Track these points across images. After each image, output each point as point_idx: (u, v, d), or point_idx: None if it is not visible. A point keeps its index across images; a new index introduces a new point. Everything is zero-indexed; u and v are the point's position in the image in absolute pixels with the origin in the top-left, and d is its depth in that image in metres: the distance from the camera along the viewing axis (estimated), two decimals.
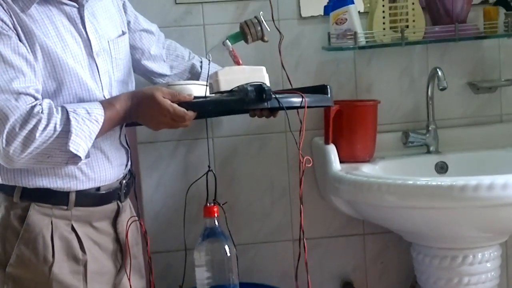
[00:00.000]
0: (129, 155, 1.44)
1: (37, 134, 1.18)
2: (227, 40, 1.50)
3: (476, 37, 1.74)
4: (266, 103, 1.29)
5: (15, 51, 1.20)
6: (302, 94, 1.34)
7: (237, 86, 1.33)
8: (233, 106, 1.35)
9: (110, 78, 1.36)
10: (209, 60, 1.50)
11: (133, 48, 1.50)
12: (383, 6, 1.70)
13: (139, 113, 1.31)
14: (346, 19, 1.67)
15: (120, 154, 1.39)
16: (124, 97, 1.31)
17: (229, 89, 1.36)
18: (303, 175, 1.34)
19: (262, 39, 1.49)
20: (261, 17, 1.47)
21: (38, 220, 1.28)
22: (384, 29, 1.71)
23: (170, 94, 1.30)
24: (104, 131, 1.28)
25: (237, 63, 1.48)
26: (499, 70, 1.81)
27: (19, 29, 1.22)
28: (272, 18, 1.65)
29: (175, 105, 1.29)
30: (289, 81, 1.63)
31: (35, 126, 1.18)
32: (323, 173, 1.66)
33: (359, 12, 1.72)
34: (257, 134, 1.76)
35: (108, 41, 1.36)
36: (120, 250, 1.39)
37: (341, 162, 1.63)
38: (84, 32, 1.31)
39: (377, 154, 1.72)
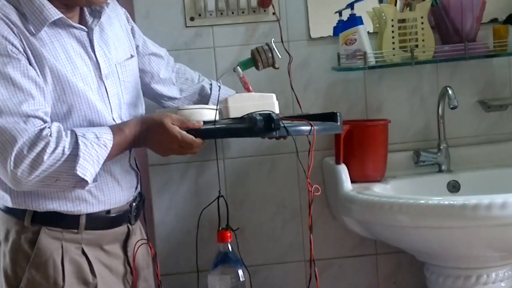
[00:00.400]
0: (139, 177, 1.45)
1: (45, 157, 1.19)
2: (238, 67, 1.51)
3: (486, 56, 1.75)
4: (274, 132, 1.30)
5: (25, 74, 1.21)
6: (311, 123, 1.34)
7: (247, 114, 1.33)
8: (242, 135, 1.37)
9: (120, 101, 1.37)
10: (219, 86, 1.51)
11: (142, 72, 1.51)
12: (392, 26, 1.70)
13: (147, 139, 1.31)
14: (356, 40, 1.68)
15: (130, 177, 1.40)
16: (133, 123, 1.32)
17: (238, 115, 1.36)
18: (312, 203, 1.33)
19: (273, 66, 1.50)
20: (273, 44, 1.49)
21: (48, 244, 1.28)
22: (393, 48, 1.71)
23: (179, 121, 1.31)
24: (112, 156, 1.28)
25: (247, 90, 1.49)
26: (509, 88, 1.80)
27: (29, 52, 1.23)
28: (281, 39, 1.66)
29: (184, 132, 1.30)
30: (298, 102, 1.64)
31: (43, 149, 1.19)
32: (335, 193, 1.65)
33: (368, 32, 1.72)
34: (267, 155, 1.76)
35: (116, 65, 1.37)
36: (131, 273, 1.39)
37: (352, 182, 1.63)
38: (93, 55, 1.32)
39: (389, 174, 1.71)
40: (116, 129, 1.29)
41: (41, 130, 1.20)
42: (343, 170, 1.64)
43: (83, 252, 1.31)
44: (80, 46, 1.31)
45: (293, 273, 1.79)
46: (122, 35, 1.44)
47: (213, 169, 1.70)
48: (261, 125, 1.28)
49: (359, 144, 1.67)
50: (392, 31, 1.71)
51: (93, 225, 1.32)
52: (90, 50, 1.32)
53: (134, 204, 1.41)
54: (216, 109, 1.38)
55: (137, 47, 1.50)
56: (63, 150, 1.20)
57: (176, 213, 1.76)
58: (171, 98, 1.58)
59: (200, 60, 1.72)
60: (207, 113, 1.37)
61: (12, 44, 1.21)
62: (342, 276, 1.81)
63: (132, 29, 1.51)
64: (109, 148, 1.26)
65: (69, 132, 1.23)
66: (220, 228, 1.47)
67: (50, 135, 1.20)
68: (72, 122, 1.27)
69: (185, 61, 1.66)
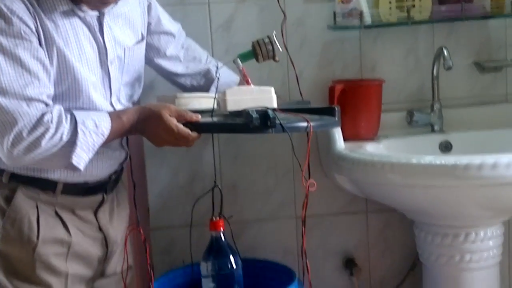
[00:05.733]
0: (127, 155, 1.44)
1: (43, 142, 1.19)
2: (238, 59, 1.50)
3: (482, 17, 1.74)
4: (270, 130, 1.30)
5: (34, 56, 1.21)
6: (307, 119, 1.33)
7: (244, 109, 1.33)
8: (237, 131, 1.37)
9: (119, 83, 1.37)
10: (217, 78, 1.50)
11: (148, 46, 1.49)
12: None
13: (144, 128, 1.32)
14: None
15: (117, 155, 1.40)
16: (132, 111, 1.32)
17: (236, 109, 1.36)
18: (307, 198, 1.34)
19: (273, 59, 1.49)
20: (274, 37, 1.48)
21: (24, 202, 1.29)
22: (390, 8, 1.70)
23: (177, 113, 1.31)
24: (107, 142, 1.29)
25: (246, 82, 1.49)
26: (505, 50, 1.80)
27: (41, 32, 1.22)
28: None
29: (180, 126, 1.30)
30: (292, 63, 1.62)
31: (42, 135, 1.19)
32: (327, 151, 1.67)
33: None
34: None
35: (125, 49, 1.37)
36: (105, 239, 1.40)
37: (345, 140, 1.64)
38: (101, 40, 1.31)
39: (382, 133, 1.72)
40: (114, 116, 1.29)
41: (43, 115, 1.20)
42: (336, 128, 1.65)
43: (57, 214, 1.32)
44: (89, 30, 1.30)
45: (284, 229, 1.82)
46: (136, 15, 1.42)
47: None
48: (257, 123, 1.28)
49: (353, 103, 1.67)
50: None
51: (69, 192, 1.33)
52: (98, 34, 1.31)
53: (113, 176, 1.42)
54: (215, 98, 1.38)
55: (149, 24, 1.48)
56: (61, 137, 1.21)
57: (169, 168, 1.77)
58: (175, 74, 1.56)
59: (194, 17, 1.70)
60: (205, 102, 1.38)
61: (26, 25, 1.20)
62: (332, 233, 1.83)
63: (149, 6, 1.48)
64: (106, 136, 1.26)
65: (69, 117, 1.23)
66: (213, 218, 1.49)
67: (51, 121, 1.20)
68: (68, 103, 1.27)
69: (179, 18, 1.64)
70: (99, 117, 1.26)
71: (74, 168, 1.24)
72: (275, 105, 1.40)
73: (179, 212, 1.78)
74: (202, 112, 1.34)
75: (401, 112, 1.76)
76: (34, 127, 1.19)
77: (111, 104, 1.35)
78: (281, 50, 1.48)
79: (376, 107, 1.71)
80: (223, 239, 1.48)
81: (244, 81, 1.49)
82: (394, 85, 1.77)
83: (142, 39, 1.43)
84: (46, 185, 1.31)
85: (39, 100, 1.20)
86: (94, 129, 1.24)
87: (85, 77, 1.27)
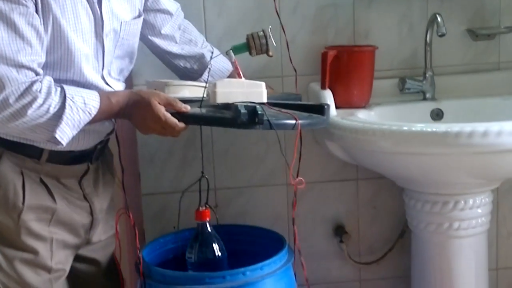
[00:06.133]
0: (114, 127, 1.43)
1: (29, 111, 1.18)
2: (231, 51, 1.49)
3: None
4: (258, 126, 1.29)
5: (29, 22, 1.19)
6: (296, 117, 1.33)
7: (233, 103, 1.32)
8: (225, 125, 1.36)
9: (111, 57, 1.35)
10: (209, 69, 1.49)
11: (144, 22, 1.47)
12: None
13: (132, 114, 1.30)
14: None
15: (104, 127, 1.39)
16: (122, 94, 1.31)
17: (225, 101, 1.35)
18: (296, 196, 1.35)
19: (266, 53, 1.48)
20: (269, 31, 1.46)
21: (9, 168, 1.29)
22: None
23: (167, 101, 1.29)
24: (93, 122, 1.27)
25: (238, 75, 1.47)
26: (498, 17, 1.79)
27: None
28: None
29: (168, 115, 1.28)
30: (283, 30, 1.61)
31: (30, 103, 1.18)
32: None
33: None
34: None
35: (122, 22, 1.35)
36: (90, 208, 1.40)
37: (337, 107, 1.63)
38: (98, 11, 1.29)
39: (373, 100, 1.72)
40: (104, 97, 1.28)
41: (32, 83, 1.18)
42: (328, 95, 1.64)
43: (42, 181, 1.32)
44: (87, 1, 1.28)
45: (275, 196, 1.82)
46: None
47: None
48: (244, 119, 1.27)
49: (345, 70, 1.66)
50: None
51: (55, 160, 1.32)
52: (96, 5, 1.29)
53: (99, 146, 1.41)
54: (205, 88, 1.36)
55: (146, 0, 1.47)
56: (48, 109, 1.20)
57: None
58: (168, 53, 1.55)
59: None
60: (195, 90, 1.37)
61: None
62: (323, 200, 1.84)
63: None
64: (93, 116, 1.25)
65: (59, 89, 1.22)
66: (200, 208, 1.49)
67: (40, 91, 1.19)
68: (58, 73, 1.26)
69: None
70: (88, 95, 1.25)
71: (57, 142, 1.23)
72: (265, 100, 1.39)
73: (170, 178, 1.78)
74: (191, 101, 1.34)
75: (393, 79, 1.76)
76: (22, 95, 1.18)
77: (102, 77, 1.34)
78: (275, 44, 1.47)
79: (368, 74, 1.70)
80: (209, 228, 1.50)
81: (236, 74, 1.48)
82: (387, 52, 1.76)
83: (139, 15, 1.42)
84: (31, 152, 1.29)
85: (29, 68, 1.19)
86: (82, 106, 1.23)
87: (78, 47, 1.26)
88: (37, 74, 1.20)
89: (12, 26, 1.17)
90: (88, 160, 1.39)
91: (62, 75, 1.26)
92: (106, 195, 1.45)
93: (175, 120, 1.29)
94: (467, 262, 1.63)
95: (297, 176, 1.35)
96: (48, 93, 1.20)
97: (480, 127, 1.37)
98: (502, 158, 1.43)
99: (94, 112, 1.25)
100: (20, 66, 1.18)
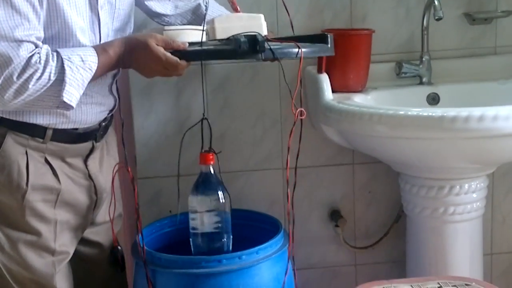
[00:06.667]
0: (117, 102, 1.43)
1: (31, 84, 1.18)
2: None
3: None
4: (260, 55, 1.27)
5: None
6: (298, 44, 1.31)
7: (232, 36, 1.30)
8: (226, 57, 1.35)
9: (108, 29, 1.34)
10: (206, 6, 1.47)
11: None
12: None
13: (131, 60, 1.29)
14: None
15: (107, 101, 1.39)
16: (117, 43, 1.29)
17: (225, 36, 1.33)
18: (294, 125, 1.34)
19: None
20: None
21: (14, 148, 1.28)
22: None
23: (164, 42, 1.28)
24: (96, 77, 1.27)
25: (235, 10, 1.45)
26: (495, 1, 1.78)
27: None
28: None
29: (168, 54, 1.27)
30: (287, 10, 1.59)
31: (31, 76, 1.18)
32: (315, 102, 1.66)
33: None
34: (249, 62, 1.74)
35: None
36: (95, 187, 1.40)
37: (333, 91, 1.63)
38: None
39: (370, 84, 1.71)
40: (100, 50, 1.27)
41: (31, 56, 1.18)
42: (324, 79, 1.63)
43: (47, 161, 1.32)
44: None
45: (271, 180, 1.82)
46: None
47: (196, 74, 1.67)
48: (245, 47, 1.26)
49: (342, 53, 1.65)
50: None
51: (59, 138, 1.32)
52: None
53: (103, 123, 1.41)
54: (203, 30, 1.35)
55: None
56: (49, 76, 1.20)
57: (156, 118, 1.76)
58: (164, 15, 1.54)
59: None
60: (194, 34, 1.35)
61: None
62: (318, 184, 1.84)
63: None
64: (94, 71, 1.24)
65: (55, 54, 1.21)
66: (203, 150, 1.47)
67: (39, 62, 1.19)
68: (57, 47, 1.25)
69: None
70: (84, 51, 1.24)
71: (67, 106, 1.23)
72: (265, 32, 1.37)
73: (166, 162, 1.78)
74: (191, 44, 1.32)
75: (389, 63, 1.75)
76: (24, 69, 1.17)
77: None
78: None
79: (365, 58, 1.69)
80: (212, 172, 1.47)
81: (233, 9, 1.46)
82: (383, 35, 1.75)
83: None
84: (35, 131, 1.29)
85: (28, 41, 1.19)
86: (81, 64, 1.22)
87: (74, 21, 1.25)
88: (36, 46, 1.20)
89: (8, 2, 1.16)
90: (93, 138, 1.39)
91: (65, 46, 1.25)
92: (110, 174, 1.45)
93: (176, 58, 1.28)
94: (462, 247, 1.63)
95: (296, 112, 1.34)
96: (47, 61, 1.20)
97: (476, 111, 1.37)
98: (498, 143, 1.43)
99: (94, 67, 1.24)
100: (19, 41, 1.17)
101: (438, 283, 1.38)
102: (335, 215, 1.85)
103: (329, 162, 1.83)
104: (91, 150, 1.39)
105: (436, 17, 1.65)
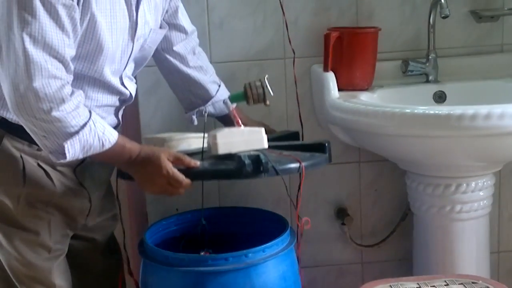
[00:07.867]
0: (118, 127, 1.43)
1: (54, 112, 1.17)
2: (228, 100, 1.51)
3: None
4: (263, 174, 1.31)
5: (69, 15, 1.18)
6: (299, 159, 1.35)
7: (236, 154, 1.34)
8: (231, 177, 1.40)
9: (134, 61, 1.38)
10: (205, 115, 1.50)
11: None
12: None
13: (139, 167, 1.31)
14: None
15: (108, 121, 1.37)
16: (136, 144, 1.32)
17: (227, 152, 1.37)
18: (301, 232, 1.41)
19: (264, 102, 1.49)
20: (266, 81, 1.47)
21: (10, 150, 1.30)
22: None
23: (176, 158, 1.31)
24: (100, 158, 1.28)
25: (237, 124, 1.47)
26: None
27: None
28: None
29: (175, 170, 1.30)
30: (283, 12, 1.58)
31: (57, 105, 1.17)
32: (321, 101, 1.66)
33: None
34: (256, 60, 1.75)
35: (151, 30, 1.37)
36: (88, 195, 1.41)
37: (339, 90, 1.63)
38: (135, 15, 1.30)
39: (376, 83, 1.71)
40: (121, 138, 1.29)
41: (63, 85, 1.18)
42: (330, 77, 1.63)
43: (40, 166, 1.33)
44: (125, 3, 1.29)
45: (277, 178, 1.80)
46: (161, 1, 1.42)
47: None
48: (249, 169, 1.30)
49: (348, 51, 1.65)
50: None
51: None
52: (133, 9, 1.30)
53: None
54: (204, 137, 1.40)
55: (165, 12, 1.47)
56: (72, 120, 1.19)
57: (162, 116, 1.76)
58: (178, 72, 1.55)
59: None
60: (194, 142, 1.41)
61: None
62: (325, 182, 1.84)
63: None
64: (105, 148, 1.25)
65: (87, 109, 1.22)
66: None
67: (70, 95, 1.19)
68: (81, 66, 1.26)
69: None
70: (109, 128, 1.26)
71: (62, 153, 1.21)
72: (265, 146, 1.41)
73: None
74: (192, 154, 1.36)
75: (396, 61, 1.75)
76: (53, 93, 1.16)
77: (121, 77, 1.35)
78: (272, 94, 1.48)
79: (371, 56, 1.69)
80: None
81: (235, 122, 1.49)
82: (390, 33, 1.75)
83: (163, 26, 1.45)
84: (30, 137, 1.27)
85: (63, 59, 1.19)
86: (100, 134, 1.24)
87: (107, 46, 1.26)
88: (66, 67, 1.19)
89: (55, 17, 1.16)
90: None
91: (84, 69, 1.27)
92: (103, 182, 1.46)
93: (181, 175, 1.31)
94: (469, 245, 1.63)
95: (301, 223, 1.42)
96: (77, 106, 1.20)
97: (482, 109, 1.36)
98: (505, 141, 1.42)
99: (107, 145, 1.25)
100: (54, 55, 1.17)
101: (445, 281, 1.38)
102: (341, 213, 1.85)
103: (335, 160, 1.81)
104: (81, 161, 1.38)
105: (443, 15, 1.64)
